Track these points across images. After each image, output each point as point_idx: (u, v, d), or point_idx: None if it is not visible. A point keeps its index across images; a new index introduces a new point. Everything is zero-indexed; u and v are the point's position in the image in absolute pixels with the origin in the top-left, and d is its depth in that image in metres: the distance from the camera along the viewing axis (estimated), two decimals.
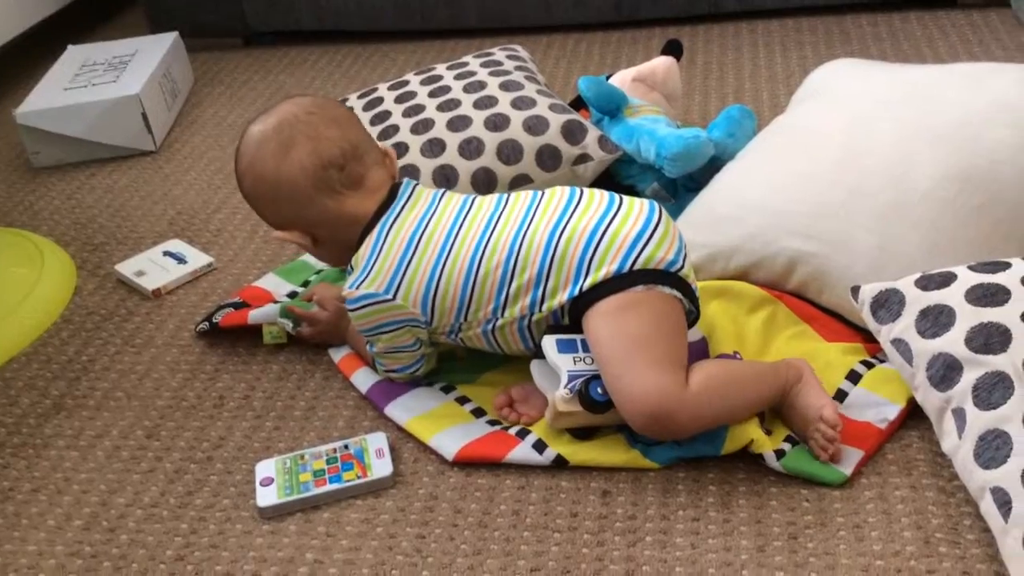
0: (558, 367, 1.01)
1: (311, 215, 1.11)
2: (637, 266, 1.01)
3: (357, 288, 1.08)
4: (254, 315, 1.26)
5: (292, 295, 1.34)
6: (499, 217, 1.08)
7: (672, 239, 1.05)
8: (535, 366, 1.06)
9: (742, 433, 1.00)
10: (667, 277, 1.02)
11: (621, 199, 1.07)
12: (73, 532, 1.03)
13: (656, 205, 1.07)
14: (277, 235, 1.13)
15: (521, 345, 1.09)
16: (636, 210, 1.05)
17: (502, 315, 1.06)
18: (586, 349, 1.03)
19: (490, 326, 1.07)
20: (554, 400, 0.99)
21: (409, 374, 1.14)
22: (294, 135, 1.09)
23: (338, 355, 1.22)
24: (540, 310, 1.04)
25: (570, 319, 1.05)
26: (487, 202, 1.11)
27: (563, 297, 1.03)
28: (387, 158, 1.17)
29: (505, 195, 1.12)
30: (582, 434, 1.05)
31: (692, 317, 1.07)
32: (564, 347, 1.02)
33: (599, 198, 1.07)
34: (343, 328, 1.22)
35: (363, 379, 1.17)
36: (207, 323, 1.28)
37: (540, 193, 1.10)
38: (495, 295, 1.05)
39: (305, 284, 1.37)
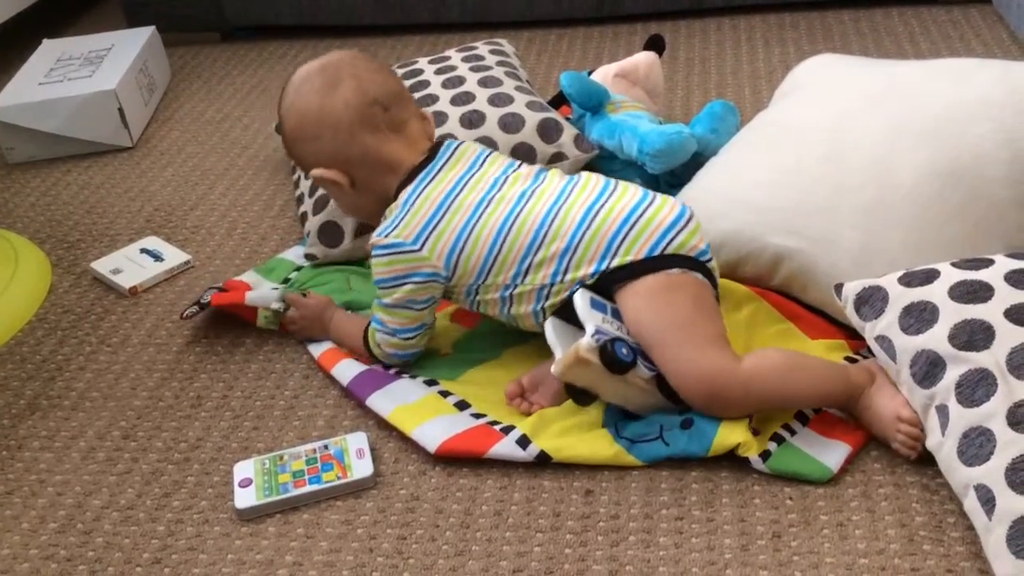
0: (587, 320, 1.00)
1: (352, 152, 1.12)
2: (669, 250, 1.04)
3: (385, 236, 1.10)
4: (251, 296, 1.25)
5: (285, 281, 1.34)
6: (533, 192, 1.10)
7: (703, 233, 1.07)
8: (551, 323, 1.05)
9: (729, 436, 0.99)
10: (699, 266, 1.05)
11: (654, 194, 1.09)
12: (47, 535, 1.02)
13: (687, 204, 1.09)
14: (316, 173, 1.14)
15: (532, 320, 1.09)
16: (670, 203, 1.08)
17: (522, 282, 1.07)
18: (616, 317, 1.03)
19: (508, 292, 1.08)
20: (577, 347, 0.98)
21: (402, 339, 1.13)
22: (340, 74, 1.13)
23: (318, 350, 1.21)
24: (562, 281, 1.05)
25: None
26: (524, 175, 1.13)
27: (588, 270, 1.04)
28: (425, 120, 1.19)
29: (544, 172, 1.14)
30: (583, 399, 1.04)
31: None
32: (596, 306, 1.03)
33: (633, 189, 1.10)
34: (327, 320, 1.21)
35: (344, 371, 1.16)
36: (197, 306, 1.26)
37: (576, 176, 1.12)
38: (518, 261, 1.07)
39: (285, 281, 1.35)
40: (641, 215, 1.05)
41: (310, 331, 1.23)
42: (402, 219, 1.10)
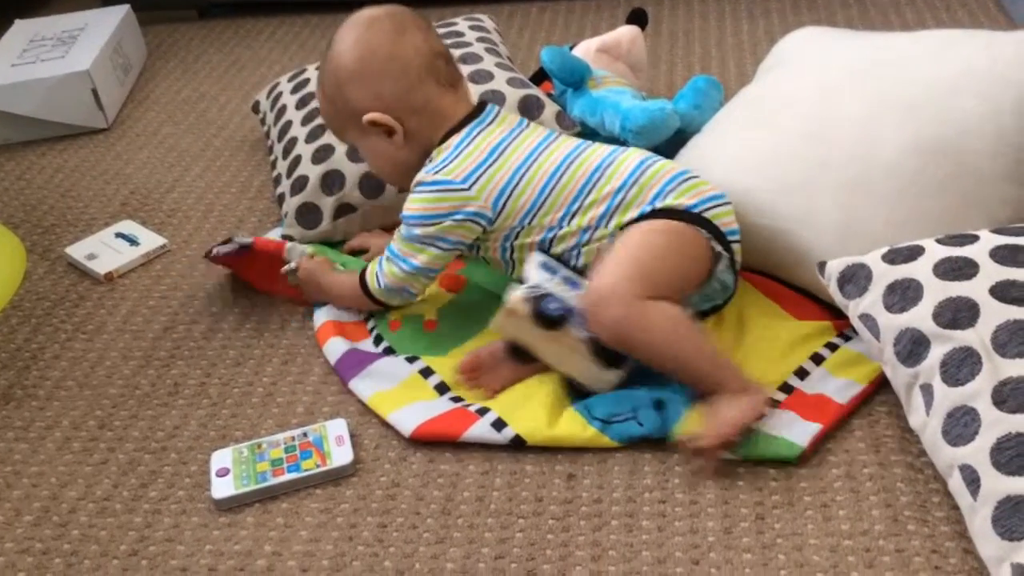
0: (529, 278, 1.02)
1: (414, 99, 1.12)
2: (708, 215, 1.07)
3: (435, 174, 1.10)
4: (291, 247, 1.25)
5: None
6: (585, 148, 1.13)
7: (735, 218, 1.10)
8: (534, 259, 1.07)
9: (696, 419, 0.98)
10: (726, 243, 1.08)
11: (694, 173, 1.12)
12: (23, 528, 1.00)
13: None
14: (371, 116, 1.12)
15: None
16: (710, 183, 1.11)
17: (568, 223, 1.08)
18: (568, 283, 1.04)
19: (552, 234, 1.09)
20: (506, 300, 1.00)
21: (407, 274, 1.12)
22: (406, 23, 1.13)
23: (318, 321, 1.21)
24: (606, 226, 1.06)
25: None
26: (570, 139, 1.15)
27: (634, 213, 1.07)
28: (467, 84, 1.21)
29: (588, 140, 1.16)
30: (524, 356, 1.06)
31: (728, 294, 1.12)
32: (546, 268, 1.05)
33: (674, 163, 1.14)
34: (322, 277, 1.20)
35: (332, 349, 1.15)
36: (234, 244, 1.22)
37: (621, 147, 1.15)
38: (569, 202, 1.08)
39: None
40: (690, 178, 1.09)
41: (306, 288, 1.23)
42: (453, 159, 1.10)
